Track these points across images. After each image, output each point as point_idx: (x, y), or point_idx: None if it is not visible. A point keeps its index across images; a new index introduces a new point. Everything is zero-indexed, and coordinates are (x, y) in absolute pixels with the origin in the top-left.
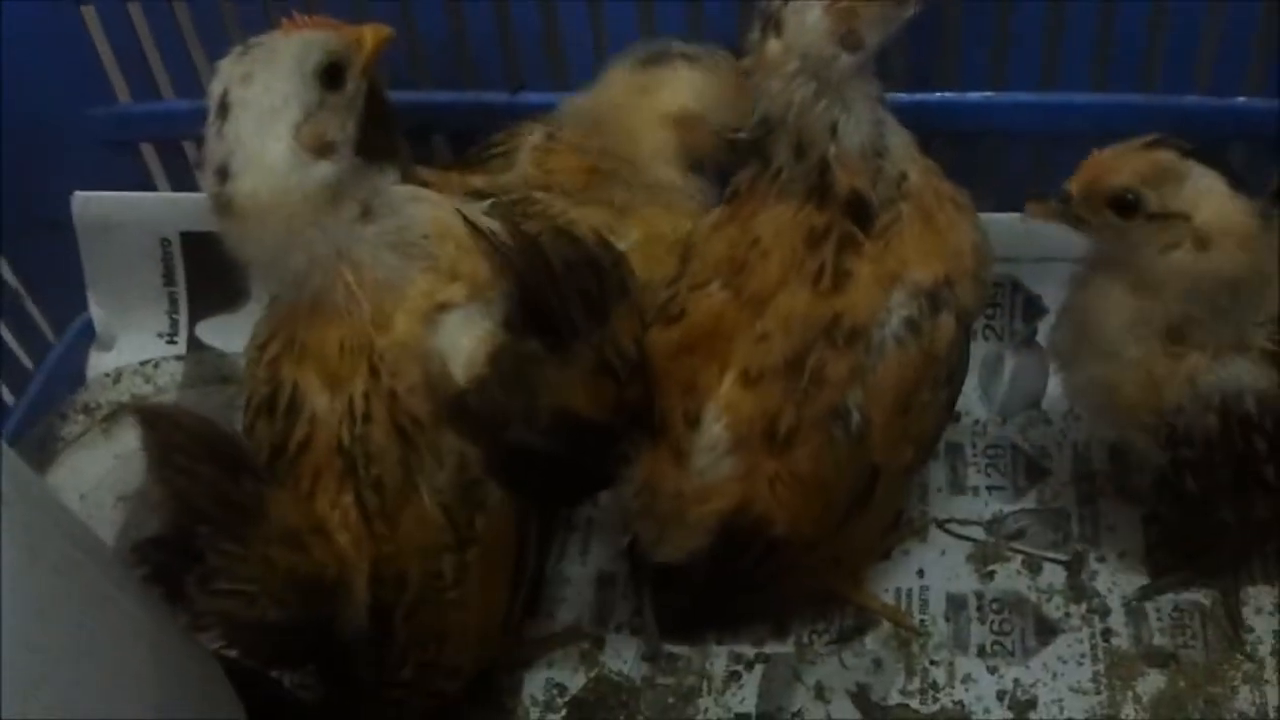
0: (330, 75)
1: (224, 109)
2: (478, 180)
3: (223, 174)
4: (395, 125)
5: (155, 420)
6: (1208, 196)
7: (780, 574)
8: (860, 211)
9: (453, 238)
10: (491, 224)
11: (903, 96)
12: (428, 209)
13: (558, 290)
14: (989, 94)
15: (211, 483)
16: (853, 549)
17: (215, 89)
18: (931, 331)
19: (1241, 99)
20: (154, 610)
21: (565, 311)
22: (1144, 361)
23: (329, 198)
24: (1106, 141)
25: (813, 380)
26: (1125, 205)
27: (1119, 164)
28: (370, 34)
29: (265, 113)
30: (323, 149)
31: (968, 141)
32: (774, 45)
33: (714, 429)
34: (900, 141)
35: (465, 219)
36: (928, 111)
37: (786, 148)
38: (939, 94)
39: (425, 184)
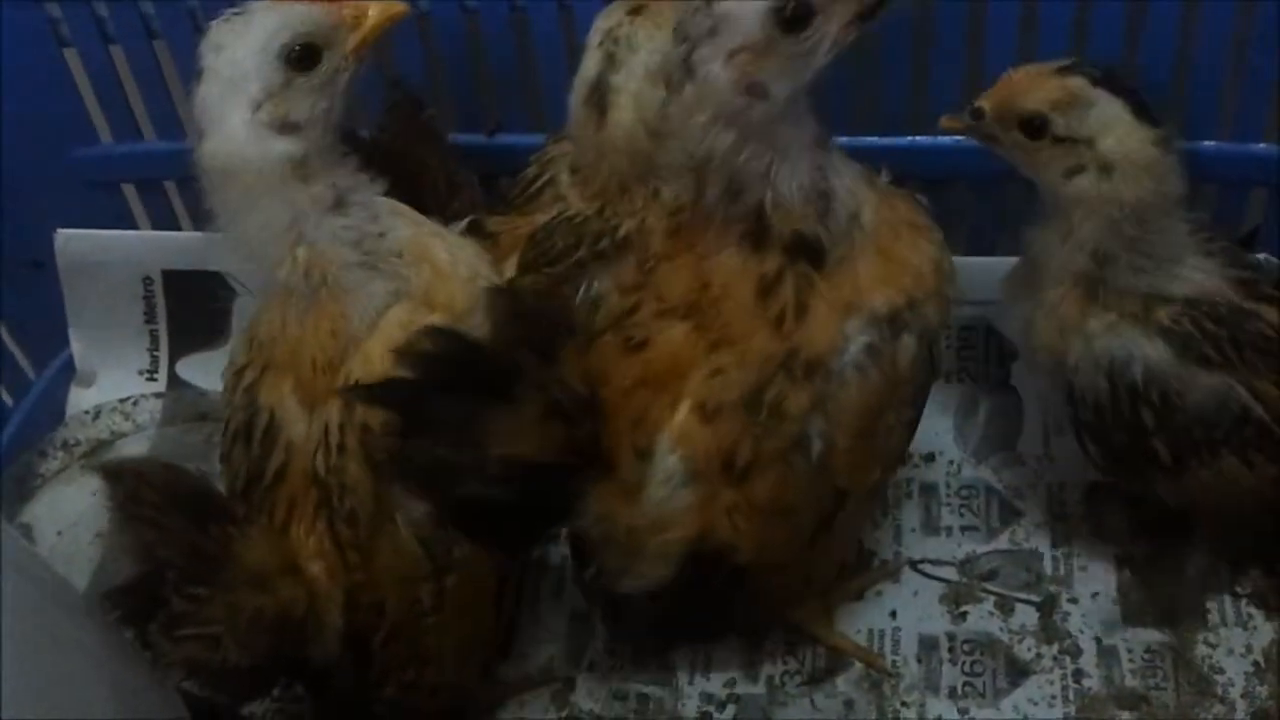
0: (301, 56)
1: (199, 73)
2: (540, 216)
3: (198, 133)
4: (451, 165)
5: (120, 475)
6: (1112, 124)
7: (752, 597)
8: (810, 251)
9: (429, 261)
10: (470, 250)
11: (874, 140)
12: (406, 228)
13: (500, 339)
14: (960, 139)
15: (176, 532)
16: (825, 567)
17: (201, 49)
18: (893, 356)
19: (1263, 145)
20: (119, 651)
21: (511, 361)
22: (1058, 305)
23: (292, 173)
24: None
25: (772, 414)
26: (1034, 128)
27: (1031, 87)
28: (375, 11)
29: (227, 85)
30: (285, 128)
31: (938, 187)
32: (689, 90)
33: (669, 461)
34: (847, 182)
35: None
36: (898, 156)
37: (718, 188)
38: (909, 138)
39: (492, 235)
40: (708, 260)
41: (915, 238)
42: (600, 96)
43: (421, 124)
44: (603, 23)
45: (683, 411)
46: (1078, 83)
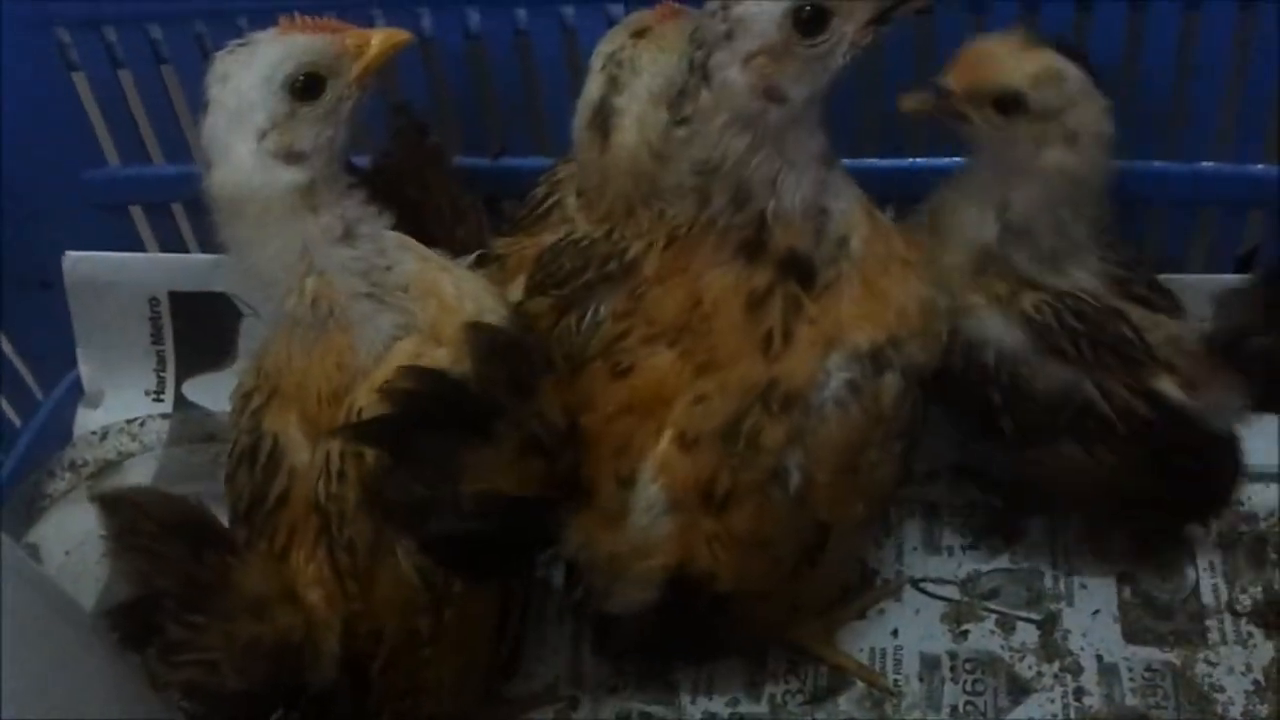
0: (305, 86)
1: (206, 104)
2: (548, 237)
3: (206, 164)
4: (456, 190)
5: (117, 505)
6: (1079, 97)
7: (735, 623)
8: (801, 270)
9: (436, 296)
10: (477, 284)
11: (876, 162)
12: (413, 262)
13: (479, 377)
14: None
15: (173, 561)
16: (814, 598)
17: (207, 80)
18: (875, 392)
19: (1261, 166)
20: (125, 669)
21: (488, 396)
22: (948, 273)
23: (301, 202)
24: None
25: (748, 445)
26: (1008, 105)
27: (1006, 64)
28: (379, 39)
29: (233, 115)
30: (290, 157)
31: None
32: (705, 96)
33: (650, 489)
34: (845, 205)
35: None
36: (902, 177)
37: (725, 196)
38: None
39: (499, 256)
40: (701, 277)
41: (905, 274)
42: (604, 119)
43: (427, 149)
44: (605, 46)
45: (665, 440)
46: (1050, 55)
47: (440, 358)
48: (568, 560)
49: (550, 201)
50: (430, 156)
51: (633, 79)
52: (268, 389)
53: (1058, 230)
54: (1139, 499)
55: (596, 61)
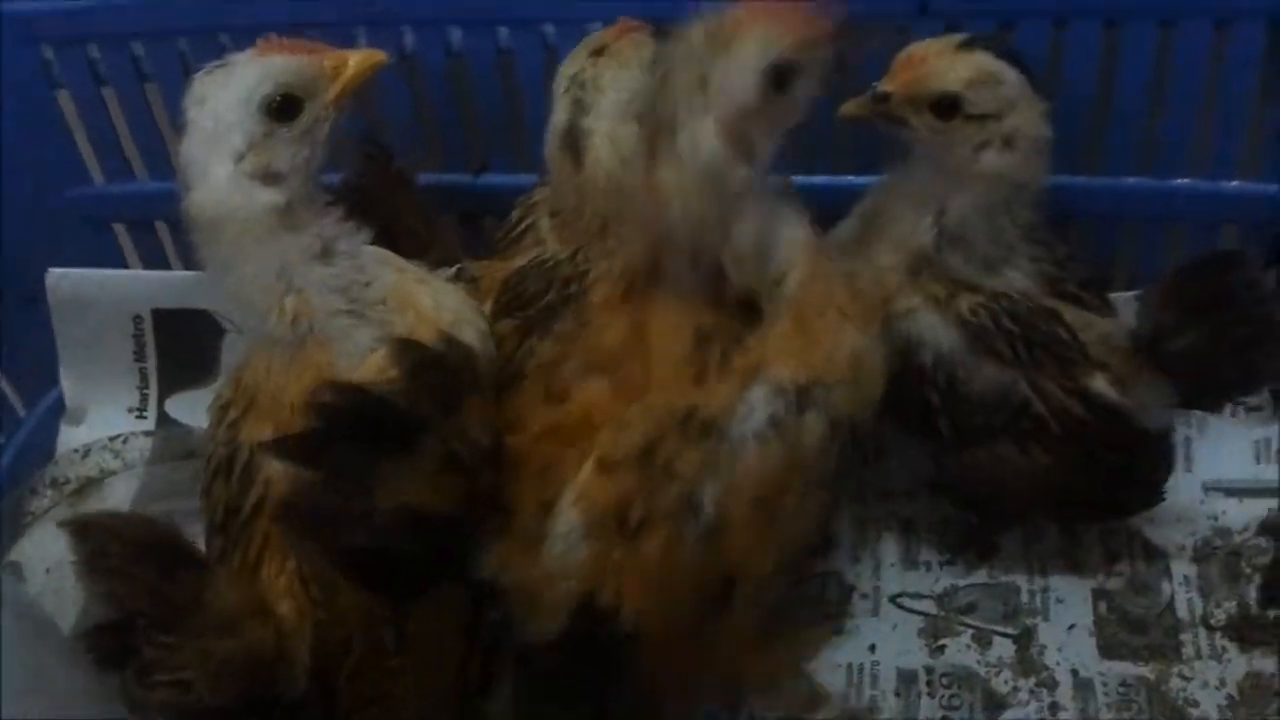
0: (282, 107)
1: (184, 126)
2: (519, 260)
3: (185, 185)
4: (427, 211)
5: (86, 530)
6: (1017, 99)
7: (639, 674)
8: (748, 313)
9: (413, 308)
10: (455, 296)
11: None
12: (391, 275)
13: (404, 391)
14: None
15: (144, 582)
16: (726, 656)
17: (185, 102)
18: (796, 430)
19: (1235, 183)
20: (103, 687)
21: (413, 412)
22: (884, 274)
23: (279, 222)
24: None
25: (663, 471)
26: (946, 108)
27: (942, 67)
28: (356, 60)
29: (210, 137)
30: (268, 178)
31: None
32: (668, 168)
33: (569, 515)
34: (789, 243)
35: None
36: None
37: (682, 259)
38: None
39: (474, 279)
40: (649, 309)
41: (840, 322)
42: (574, 141)
43: (394, 173)
44: (567, 69)
45: (589, 466)
46: (986, 58)
47: None
48: (486, 584)
49: (524, 225)
50: (399, 180)
51: (597, 98)
52: (244, 401)
53: (993, 236)
54: (1073, 497)
55: (560, 85)
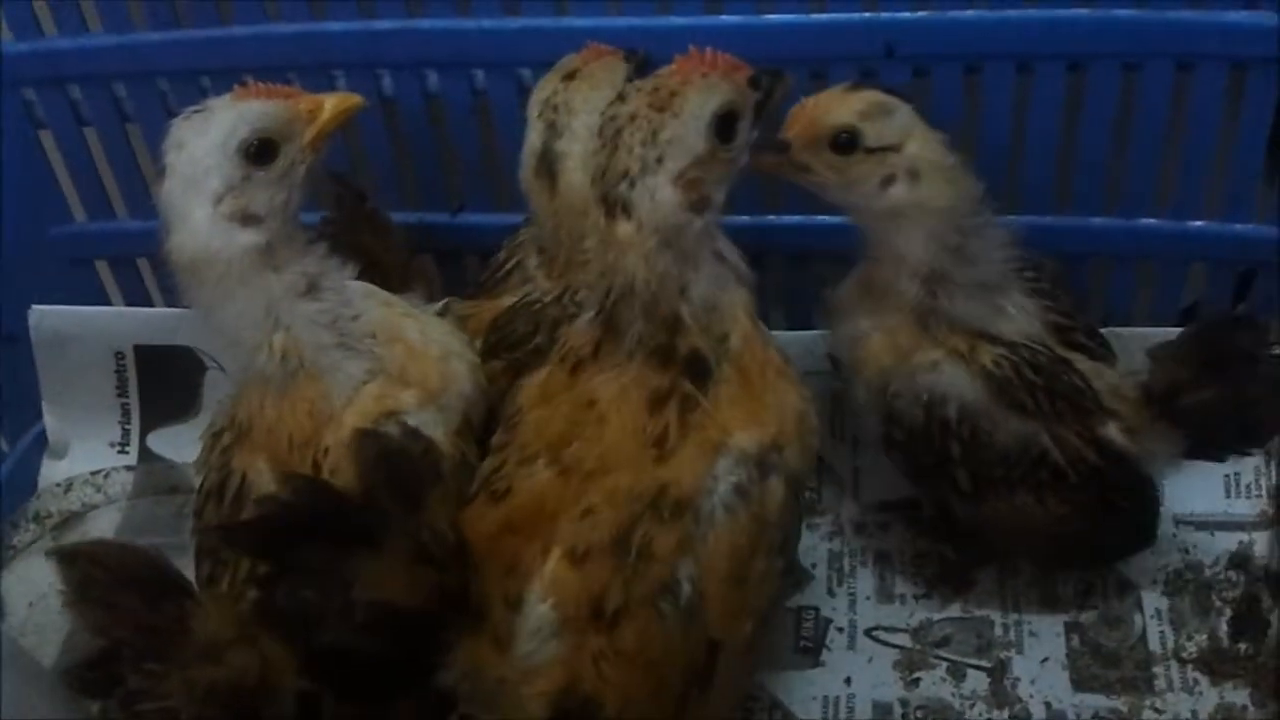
0: (259, 151)
1: (162, 170)
2: (507, 300)
3: (165, 229)
4: (402, 249)
5: (72, 559)
6: (912, 128)
7: None
8: (698, 369)
9: (401, 341)
10: (442, 329)
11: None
12: (377, 309)
13: (365, 485)
14: None
15: (129, 612)
16: None
17: (164, 147)
18: (761, 496)
19: (1199, 223)
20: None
21: (375, 503)
22: (895, 332)
23: (260, 262)
24: None
25: (640, 556)
26: (844, 143)
27: (833, 105)
28: (331, 104)
29: (188, 181)
30: (246, 219)
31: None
32: (624, 227)
33: (539, 609)
34: (732, 300)
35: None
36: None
37: (639, 313)
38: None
39: (461, 319)
40: (595, 382)
41: (780, 382)
42: (549, 165)
43: (366, 214)
44: (539, 94)
45: (554, 558)
46: (874, 94)
47: (407, 400)
48: (446, 690)
49: (511, 264)
50: (371, 222)
51: (570, 120)
52: (238, 426)
53: (963, 262)
54: (1081, 544)
55: (533, 110)
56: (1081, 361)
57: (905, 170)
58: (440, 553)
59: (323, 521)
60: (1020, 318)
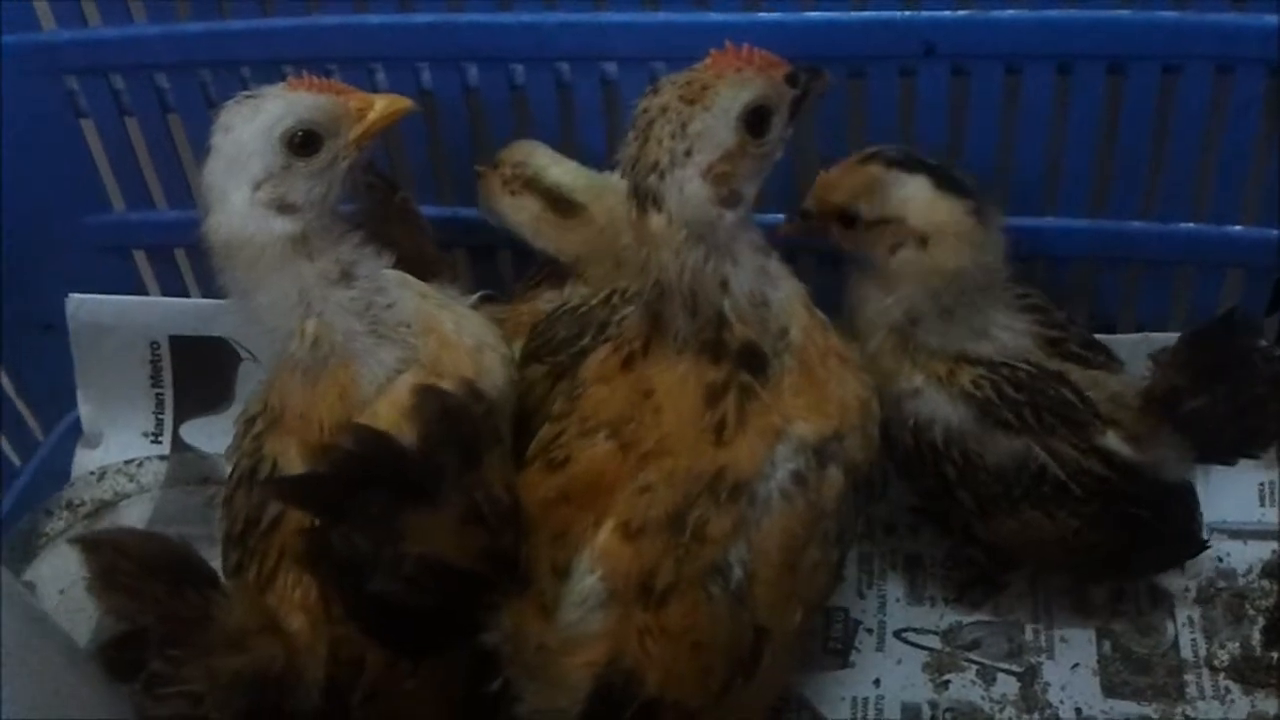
0: (303, 142)
1: (209, 150)
2: (542, 302)
3: (204, 208)
4: (432, 241)
5: (97, 547)
6: (914, 200)
7: None
8: (754, 362)
9: (436, 332)
10: (477, 321)
11: None
12: (413, 299)
13: (426, 439)
14: None
15: (154, 599)
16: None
17: (213, 129)
18: (819, 485)
19: (1239, 228)
20: (113, 702)
21: (433, 459)
22: (877, 356)
23: (293, 250)
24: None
25: (694, 536)
26: (847, 218)
27: (837, 183)
28: (381, 105)
29: (231, 163)
30: (283, 208)
31: None
32: (656, 219)
33: (587, 580)
34: (784, 294)
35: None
36: None
37: (680, 309)
38: None
39: (499, 321)
40: (651, 371)
41: (843, 371)
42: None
43: (396, 206)
44: None
45: (606, 530)
46: (875, 169)
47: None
48: (491, 650)
49: (548, 270)
50: (401, 213)
51: None
52: (270, 416)
53: (945, 315)
54: (1113, 555)
55: None
56: (1075, 372)
57: (912, 237)
58: (493, 514)
59: (382, 472)
60: (1004, 336)
